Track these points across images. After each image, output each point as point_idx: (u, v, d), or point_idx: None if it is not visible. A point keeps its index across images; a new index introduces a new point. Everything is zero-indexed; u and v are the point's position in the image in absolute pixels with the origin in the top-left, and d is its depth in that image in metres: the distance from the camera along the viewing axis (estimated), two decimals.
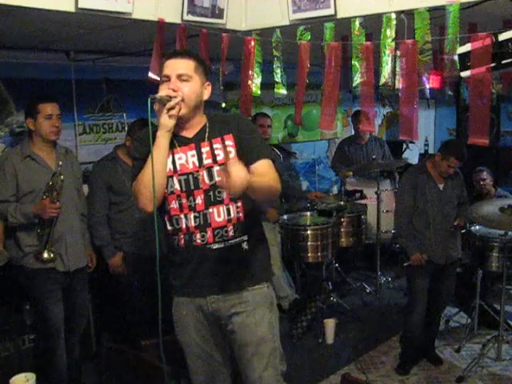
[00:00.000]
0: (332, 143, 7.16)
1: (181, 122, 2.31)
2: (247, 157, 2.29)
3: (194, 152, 2.34)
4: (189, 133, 2.37)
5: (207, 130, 2.36)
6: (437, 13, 2.72)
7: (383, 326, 4.88)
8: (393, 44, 2.84)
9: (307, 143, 6.96)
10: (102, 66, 4.58)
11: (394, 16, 2.82)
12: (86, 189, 3.82)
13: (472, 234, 4.59)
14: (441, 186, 4.07)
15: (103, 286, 3.97)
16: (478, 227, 4.60)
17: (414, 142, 7.36)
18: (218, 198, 2.33)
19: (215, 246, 2.34)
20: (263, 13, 3.33)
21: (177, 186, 2.34)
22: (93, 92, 4.76)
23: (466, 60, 2.63)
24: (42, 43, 3.93)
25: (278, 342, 2.48)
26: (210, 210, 2.33)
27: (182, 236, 2.37)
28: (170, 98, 2.21)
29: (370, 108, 3.02)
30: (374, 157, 5.58)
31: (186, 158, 2.34)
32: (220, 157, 2.32)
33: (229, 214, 2.34)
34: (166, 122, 2.24)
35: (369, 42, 2.92)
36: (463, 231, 4.46)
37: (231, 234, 2.35)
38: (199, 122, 2.38)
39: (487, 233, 4.50)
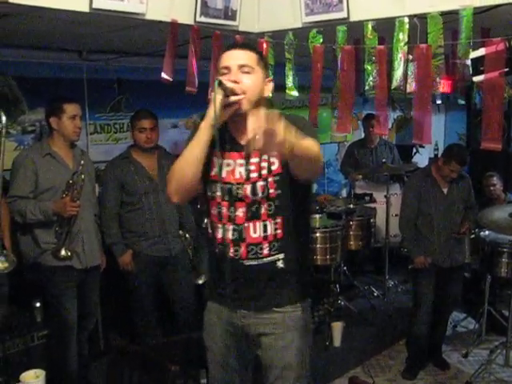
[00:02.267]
0: (342, 146, 7.15)
1: (239, 122, 2.13)
2: None
3: (243, 161, 2.15)
4: (243, 137, 2.15)
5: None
6: (450, 17, 2.71)
7: (391, 329, 4.87)
8: (405, 48, 2.84)
9: None
10: (114, 66, 4.61)
11: (406, 20, 2.82)
12: (96, 188, 3.85)
13: (481, 239, 4.57)
14: (445, 190, 4.08)
15: (111, 284, 3.99)
16: (487, 232, 4.58)
17: (423, 147, 7.33)
18: (256, 214, 2.14)
19: (248, 263, 2.17)
20: (276, 15, 3.34)
21: (219, 193, 2.18)
22: (104, 92, 4.78)
23: (478, 65, 2.62)
24: (55, 43, 3.96)
25: (306, 370, 2.29)
26: (246, 224, 2.15)
27: (217, 244, 2.24)
28: (233, 92, 2.00)
29: (383, 111, 3.01)
30: (383, 160, 5.57)
31: (234, 167, 2.16)
32: (265, 170, 2.12)
33: (265, 230, 2.15)
34: (218, 116, 1.98)
35: (382, 46, 2.92)
36: (472, 236, 4.45)
37: (266, 251, 2.16)
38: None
39: (497, 238, 4.48)
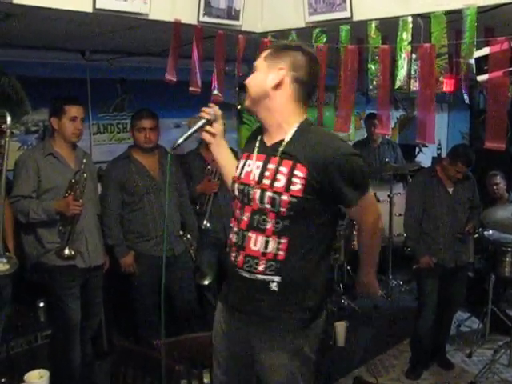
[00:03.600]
0: None
1: (263, 124, 2.15)
2: (340, 200, 2.05)
3: (260, 164, 2.08)
4: (269, 139, 2.12)
5: (285, 144, 2.04)
6: (453, 16, 2.71)
7: (394, 329, 4.87)
8: (409, 47, 2.83)
9: None
10: (117, 66, 4.61)
11: (410, 19, 2.81)
12: (99, 188, 3.85)
13: (485, 238, 4.57)
14: (450, 190, 4.06)
15: (114, 284, 3.99)
16: (491, 232, 4.58)
17: (427, 146, 7.32)
18: (261, 226, 2.02)
19: (242, 273, 2.08)
20: (279, 15, 3.33)
21: (236, 193, 2.15)
22: (107, 92, 4.80)
23: (482, 64, 2.61)
24: (58, 43, 3.96)
25: None
26: (250, 234, 2.05)
27: (228, 244, 2.21)
28: (205, 119, 2.20)
29: (386, 111, 3.01)
30: (386, 160, 5.56)
31: (252, 168, 2.11)
32: (279, 183, 1.99)
33: (266, 247, 2.02)
34: (207, 138, 2.26)
35: (386, 45, 2.91)
36: (475, 235, 4.44)
37: (261, 268, 2.03)
38: (281, 129, 2.08)
39: (500, 238, 4.47)
